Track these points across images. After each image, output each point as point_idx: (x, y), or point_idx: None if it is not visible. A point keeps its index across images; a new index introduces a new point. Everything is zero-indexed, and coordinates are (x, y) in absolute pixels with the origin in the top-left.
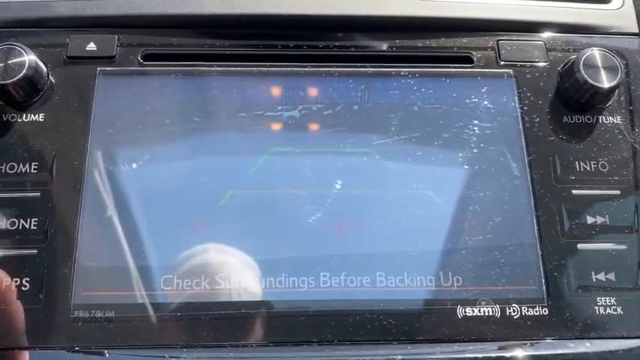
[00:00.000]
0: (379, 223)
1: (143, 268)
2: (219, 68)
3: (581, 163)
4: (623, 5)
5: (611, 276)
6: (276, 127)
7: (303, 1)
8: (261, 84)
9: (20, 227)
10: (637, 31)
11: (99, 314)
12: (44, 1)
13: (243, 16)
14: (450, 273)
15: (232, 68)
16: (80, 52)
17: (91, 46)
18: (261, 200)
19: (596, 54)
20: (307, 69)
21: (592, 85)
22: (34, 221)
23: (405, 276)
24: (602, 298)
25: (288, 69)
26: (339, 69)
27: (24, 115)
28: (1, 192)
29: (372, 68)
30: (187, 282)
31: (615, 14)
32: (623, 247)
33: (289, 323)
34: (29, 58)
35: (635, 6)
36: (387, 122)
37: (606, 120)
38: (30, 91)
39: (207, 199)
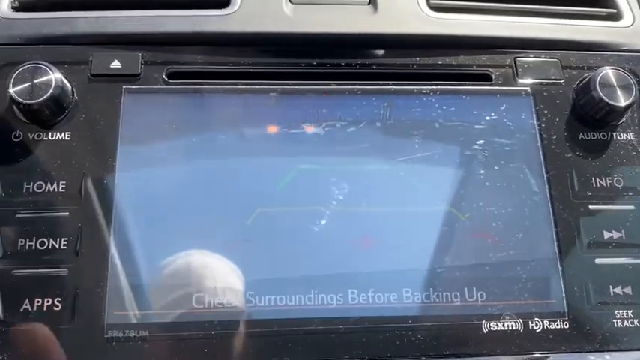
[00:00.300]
0: (403, 239)
1: (175, 286)
2: (244, 86)
3: (597, 180)
4: (634, 23)
5: (628, 290)
6: (301, 144)
7: (325, 19)
8: (285, 102)
9: (50, 247)
10: None
11: (133, 334)
12: (66, 18)
13: (266, 35)
14: (475, 288)
15: (257, 86)
16: (104, 70)
17: (116, 64)
18: (288, 218)
19: (610, 73)
20: (331, 87)
21: (607, 103)
22: (64, 241)
23: (431, 292)
24: (620, 312)
25: (312, 87)
26: (362, 87)
27: (50, 133)
28: (29, 211)
29: (395, 86)
30: (219, 299)
31: (627, 32)
32: (639, 261)
33: (321, 341)
34: (55, 76)
35: None
36: (409, 139)
37: (620, 137)
38: (55, 110)
39: (235, 217)
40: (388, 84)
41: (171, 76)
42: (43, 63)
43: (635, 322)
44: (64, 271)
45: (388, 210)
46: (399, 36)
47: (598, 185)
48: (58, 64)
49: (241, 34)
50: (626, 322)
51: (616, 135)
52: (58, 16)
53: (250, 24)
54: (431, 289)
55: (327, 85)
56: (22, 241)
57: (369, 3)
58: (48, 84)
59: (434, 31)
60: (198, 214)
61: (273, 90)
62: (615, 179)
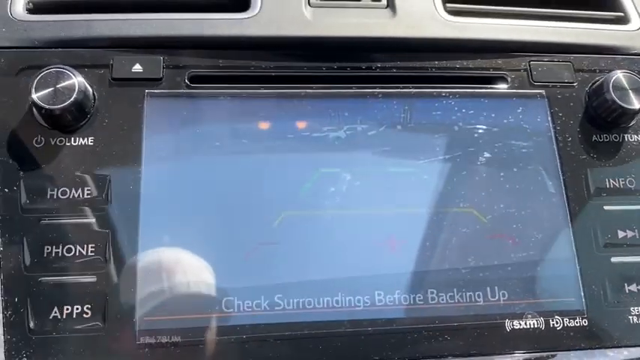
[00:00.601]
0: (427, 241)
1: (204, 290)
2: (265, 90)
3: (611, 180)
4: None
5: None
6: (323, 148)
7: (345, 23)
8: (307, 105)
9: (77, 253)
10: None
11: (165, 339)
12: (84, 20)
13: (287, 38)
14: (496, 288)
15: (278, 90)
16: (126, 74)
17: (137, 68)
18: (313, 221)
19: (622, 76)
20: (352, 90)
21: (620, 105)
22: (91, 247)
23: (455, 292)
24: (636, 308)
25: (333, 90)
26: (383, 90)
27: (72, 138)
28: (54, 218)
29: (415, 89)
30: (247, 303)
31: (635, 35)
32: None
33: (351, 343)
34: (78, 81)
35: None
36: (430, 142)
37: (631, 138)
38: (78, 115)
39: (261, 220)
40: (408, 87)
41: (193, 80)
42: (66, 67)
43: None
44: (92, 278)
45: (411, 212)
46: (418, 40)
47: (612, 186)
48: (77, 67)
49: (262, 38)
50: None
51: (627, 137)
52: (76, 19)
53: (271, 27)
54: (454, 289)
55: (348, 88)
56: (48, 249)
57: (387, 6)
58: (71, 89)
59: (451, 35)
60: (225, 218)
61: (295, 94)
62: (628, 180)
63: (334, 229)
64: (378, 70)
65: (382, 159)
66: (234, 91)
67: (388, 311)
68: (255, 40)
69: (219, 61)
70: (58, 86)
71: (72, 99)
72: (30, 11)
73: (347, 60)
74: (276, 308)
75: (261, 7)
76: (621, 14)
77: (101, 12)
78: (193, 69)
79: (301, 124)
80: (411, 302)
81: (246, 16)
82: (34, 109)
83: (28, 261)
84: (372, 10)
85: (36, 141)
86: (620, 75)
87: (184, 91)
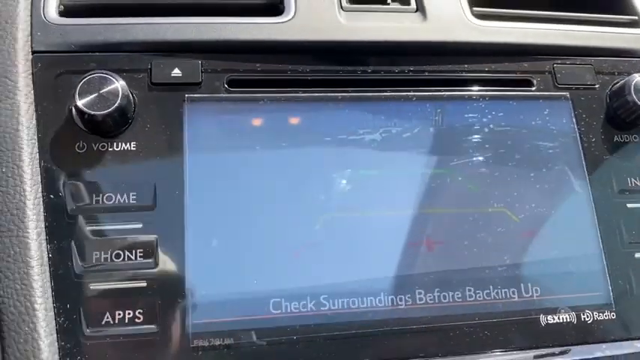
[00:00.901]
0: (462, 240)
1: (253, 292)
2: (303, 94)
3: (632, 179)
4: None
5: None
6: (360, 150)
7: (379, 27)
8: (345, 109)
9: (126, 259)
10: None
11: (218, 342)
12: (121, 24)
13: (323, 43)
14: (530, 284)
15: (316, 94)
16: (165, 79)
17: (176, 72)
18: (353, 222)
19: None
20: (386, 94)
21: None
22: (140, 252)
23: (491, 289)
24: None
25: (369, 94)
26: (416, 93)
27: (115, 143)
28: (101, 224)
29: (446, 92)
30: (295, 304)
31: None
32: None
33: (397, 341)
34: (121, 86)
35: None
36: (462, 144)
37: None
38: (120, 120)
39: (304, 222)
40: (440, 90)
41: (232, 84)
42: (108, 72)
43: None
44: (142, 283)
45: (446, 212)
46: (449, 43)
47: (633, 184)
48: (116, 72)
49: (298, 43)
50: None
51: None
52: (113, 22)
53: (306, 32)
54: (491, 286)
55: (382, 92)
56: (96, 254)
57: (417, 10)
58: (115, 94)
59: (480, 39)
60: (268, 220)
61: (332, 98)
62: None
63: (373, 230)
64: (410, 73)
65: (417, 161)
66: (272, 95)
67: (429, 309)
68: (291, 44)
69: (256, 65)
70: (101, 92)
71: (116, 104)
72: (62, 14)
73: (380, 64)
74: (322, 309)
75: (295, 12)
76: (635, 18)
77: (132, 15)
78: (231, 73)
79: (339, 127)
80: (450, 300)
81: (282, 21)
82: (75, 114)
83: (77, 267)
84: (402, 15)
85: (78, 146)
86: (639, 79)
87: (224, 95)
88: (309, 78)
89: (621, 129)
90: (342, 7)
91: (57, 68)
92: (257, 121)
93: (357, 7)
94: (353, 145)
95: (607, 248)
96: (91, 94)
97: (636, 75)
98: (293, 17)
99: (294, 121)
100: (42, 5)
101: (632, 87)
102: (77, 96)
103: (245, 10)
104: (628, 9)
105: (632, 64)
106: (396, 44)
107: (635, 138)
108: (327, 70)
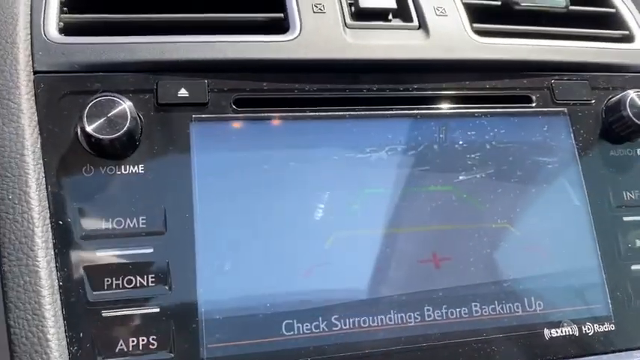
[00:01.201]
0: (468, 256)
1: (265, 315)
2: (310, 113)
3: (628, 193)
4: None
5: None
6: (367, 168)
7: (384, 45)
8: (352, 127)
9: (138, 284)
10: None
11: None
12: (127, 43)
13: (329, 61)
14: (533, 298)
15: (323, 113)
16: (172, 99)
17: (183, 92)
18: (361, 241)
19: (635, 97)
20: (392, 112)
21: (635, 122)
22: (152, 278)
23: (496, 305)
24: None
25: (375, 112)
26: (421, 111)
27: (122, 166)
28: (111, 249)
29: (449, 109)
30: (307, 325)
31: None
32: None
33: (409, 358)
34: (129, 109)
35: None
36: (465, 161)
37: None
38: (128, 143)
39: (313, 242)
40: (442, 108)
41: (239, 103)
42: (115, 95)
43: None
44: (155, 309)
45: (452, 228)
46: (453, 62)
47: (629, 198)
48: (122, 92)
49: (304, 61)
50: None
51: (638, 150)
52: (117, 42)
53: (313, 50)
54: (496, 301)
55: (388, 110)
56: (108, 281)
57: (420, 27)
58: (124, 117)
59: (482, 57)
60: (278, 241)
61: (339, 117)
62: None
63: (381, 248)
64: (414, 91)
65: (423, 178)
66: (280, 115)
67: (438, 326)
68: (298, 63)
69: (262, 84)
70: (109, 115)
71: (125, 128)
72: (62, 32)
73: (385, 81)
74: (334, 329)
75: (300, 30)
76: (626, 32)
77: (135, 33)
78: (238, 92)
79: (346, 146)
80: (458, 316)
81: (288, 39)
82: (82, 137)
83: (89, 295)
84: (406, 32)
85: (85, 170)
86: (634, 95)
87: (231, 115)
88: (315, 96)
89: (617, 142)
90: (346, 25)
91: (61, 89)
92: (264, 141)
93: (361, 25)
94: (361, 163)
95: (605, 261)
96: (99, 117)
97: (631, 91)
98: (298, 35)
99: (302, 140)
100: (42, 23)
101: (628, 103)
102: (85, 120)
103: (252, 28)
104: (620, 24)
105: (626, 79)
106: (402, 62)
107: (629, 152)
108: (333, 88)
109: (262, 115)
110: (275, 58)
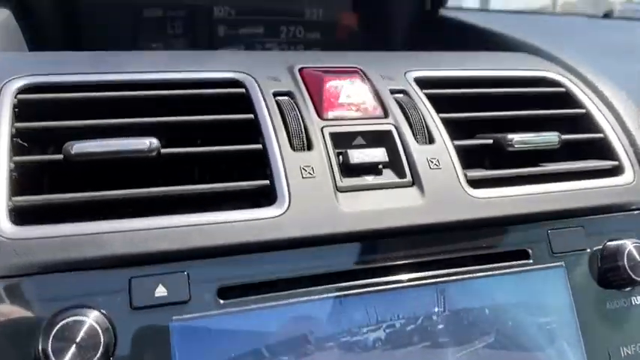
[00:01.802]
0: None
1: None
2: (301, 296)
3: (625, 349)
4: (634, 179)
5: None
6: (366, 353)
7: (379, 212)
8: (346, 306)
9: None
10: None
11: None
12: (95, 234)
13: (323, 237)
14: None
15: (314, 295)
16: (148, 300)
17: (161, 291)
18: None
19: (634, 249)
20: (388, 286)
21: (630, 275)
22: None
23: None
24: None
25: (369, 288)
26: (417, 282)
27: None
28: None
29: (446, 275)
30: None
31: (632, 189)
32: None
33: None
34: (101, 327)
35: None
36: (465, 329)
37: (637, 302)
38: None
39: None
40: (439, 274)
41: (223, 293)
42: (83, 313)
43: None
44: None
45: None
46: (450, 224)
47: (625, 354)
48: (89, 296)
49: (296, 239)
50: None
51: (634, 300)
52: (82, 233)
53: (304, 226)
54: None
55: (383, 284)
56: None
57: (413, 184)
58: (97, 340)
59: (478, 215)
60: None
61: (333, 296)
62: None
63: None
64: (411, 257)
65: (424, 356)
66: (268, 303)
67: None
68: (288, 242)
69: (249, 268)
70: (78, 340)
71: (99, 353)
72: (15, 220)
73: (379, 250)
74: None
75: (290, 201)
76: (616, 163)
77: (100, 213)
78: (222, 281)
79: (341, 329)
80: None
81: (276, 215)
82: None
83: None
84: (399, 191)
85: None
86: (631, 248)
87: (216, 312)
88: (306, 274)
89: (613, 292)
90: (337, 189)
91: (19, 304)
92: (253, 333)
93: (353, 185)
94: (357, 347)
95: None
96: (67, 346)
97: (628, 242)
98: (288, 208)
99: (293, 327)
100: None
101: (625, 256)
102: (49, 349)
103: (230, 197)
104: (609, 153)
105: (618, 219)
106: (399, 229)
107: (624, 303)
108: (325, 264)
109: (249, 306)
110: (265, 240)
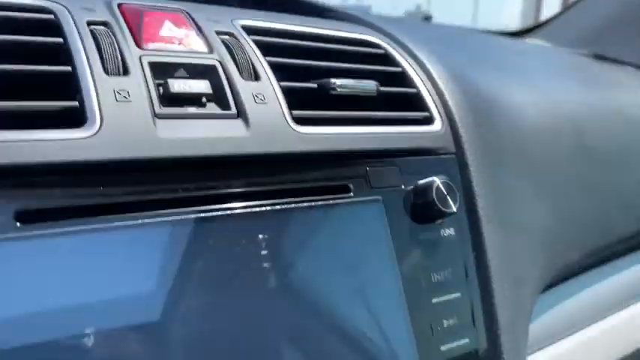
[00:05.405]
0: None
1: None
2: (117, 222)
3: (435, 275)
4: (442, 128)
5: None
6: (180, 283)
7: (200, 139)
8: (164, 234)
9: None
10: (454, 150)
11: None
12: None
13: (136, 161)
14: None
15: (130, 221)
16: None
17: None
18: None
19: (441, 186)
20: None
21: (440, 209)
22: None
23: None
24: None
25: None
26: (237, 211)
27: None
28: None
29: (270, 207)
30: None
31: (440, 136)
32: None
33: None
34: None
35: None
36: (287, 259)
37: (445, 233)
38: None
39: None
40: (262, 205)
41: (21, 217)
42: None
43: None
44: None
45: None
46: (274, 155)
47: (436, 280)
48: None
49: (107, 162)
50: None
51: (442, 232)
52: None
53: (117, 149)
54: None
55: (203, 212)
56: None
57: (238, 116)
58: None
59: (302, 149)
60: None
61: (146, 223)
62: (446, 272)
63: None
64: (233, 187)
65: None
66: (74, 228)
67: None
68: (99, 164)
69: (55, 190)
70: None
71: None
72: None
73: (202, 178)
74: None
75: (101, 123)
76: (427, 114)
77: None
78: (20, 203)
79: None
80: None
81: (84, 136)
82: None
83: None
84: (223, 122)
85: None
86: (439, 184)
87: (11, 235)
88: (120, 201)
89: (426, 223)
90: (155, 115)
91: None
92: (55, 264)
93: (173, 113)
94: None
95: (419, 343)
96: None
97: (435, 179)
98: (99, 130)
99: (103, 257)
100: None
101: (434, 190)
102: None
103: (32, 117)
104: (422, 106)
105: (429, 162)
106: (221, 158)
107: (435, 235)
108: (142, 190)
109: (52, 230)
110: (72, 160)
